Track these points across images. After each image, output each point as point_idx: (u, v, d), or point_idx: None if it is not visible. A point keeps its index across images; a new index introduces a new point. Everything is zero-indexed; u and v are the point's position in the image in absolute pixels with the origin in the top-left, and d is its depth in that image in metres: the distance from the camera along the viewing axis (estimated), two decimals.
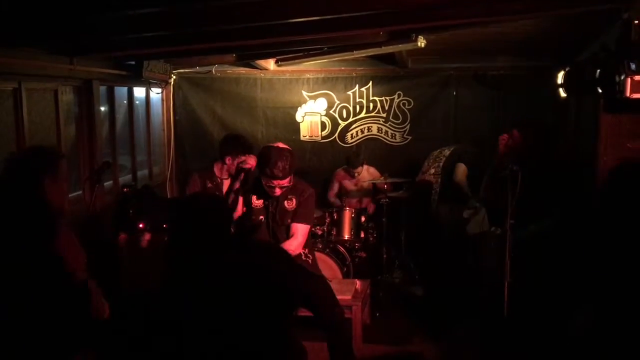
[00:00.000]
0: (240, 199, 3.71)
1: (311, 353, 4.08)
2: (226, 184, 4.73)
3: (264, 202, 3.77)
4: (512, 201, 4.18)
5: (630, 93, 3.64)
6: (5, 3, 2.83)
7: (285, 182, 3.64)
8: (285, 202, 3.70)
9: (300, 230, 3.68)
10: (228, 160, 4.53)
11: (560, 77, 4.83)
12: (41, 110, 4.49)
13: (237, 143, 4.58)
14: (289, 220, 3.67)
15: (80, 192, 4.94)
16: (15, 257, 2.56)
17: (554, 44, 5.41)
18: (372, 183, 6.07)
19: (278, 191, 3.66)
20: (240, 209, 3.72)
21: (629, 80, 3.61)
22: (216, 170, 4.71)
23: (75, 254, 2.83)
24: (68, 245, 2.77)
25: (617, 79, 3.97)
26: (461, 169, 5.44)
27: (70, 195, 4.45)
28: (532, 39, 5.09)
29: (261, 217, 3.76)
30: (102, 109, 5.67)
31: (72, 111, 5.08)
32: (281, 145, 3.77)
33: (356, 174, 6.10)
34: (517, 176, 4.38)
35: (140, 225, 4.85)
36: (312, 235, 5.28)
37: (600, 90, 4.20)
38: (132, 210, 4.93)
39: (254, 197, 3.73)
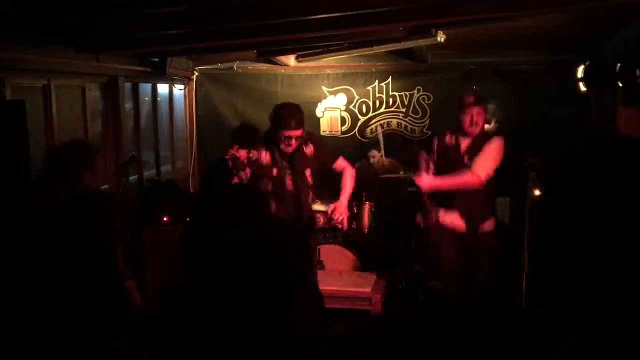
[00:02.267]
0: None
1: None
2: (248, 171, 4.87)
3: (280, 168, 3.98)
4: (530, 194, 4.20)
5: None
6: (33, 2, 2.93)
7: (299, 133, 3.88)
8: (305, 148, 4.01)
9: (340, 162, 4.21)
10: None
11: (580, 71, 4.83)
12: (69, 107, 4.62)
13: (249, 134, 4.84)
14: (311, 166, 4.05)
15: (107, 186, 5.06)
16: (67, 246, 2.64)
17: (575, 38, 5.40)
18: (389, 177, 6.10)
19: (294, 143, 3.87)
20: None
21: None
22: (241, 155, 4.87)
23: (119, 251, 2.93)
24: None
25: (637, 72, 3.98)
26: None
27: None
28: (553, 33, 5.08)
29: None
30: (127, 105, 5.79)
31: (98, 107, 5.20)
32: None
33: (371, 157, 6.11)
34: (535, 168, 4.41)
35: (165, 219, 4.98)
36: (332, 229, 5.39)
37: (620, 84, 4.20)
38: (156, 204, 5.06)
39: (274, 170, 3.95)
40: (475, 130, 4.17)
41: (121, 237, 2.98)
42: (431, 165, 4.24)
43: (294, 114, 3.91)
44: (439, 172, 4.19)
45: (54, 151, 3.03)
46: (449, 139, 4.30)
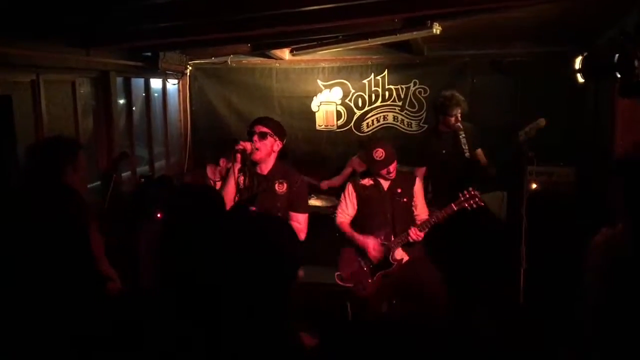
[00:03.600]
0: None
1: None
2: (218, 185, 4.77)
3: (251, 183, 3.65)
4: (527, 187, 4.16)
5: None
6: None
7: (264, 129, 3.59)
8: (276, 184, 3.64)
9: (302, 219, 3.65)
10: (222, 162, 4.64)
11: (577, 62, 4.78)
12: (59, 102, 4.55)
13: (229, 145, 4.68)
14: (279, 204, 3.61)
15: (98, 182, 4.99)
16: (41, 242, 2.58)
17: (572, 29, 5.33)
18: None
19: (258, 154, 3.56)
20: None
21: None
22: (209, 172, 4.76)
23: (98, 243, 2.87)
24: (94, 233, 2.81)
25: (635, 63, 3.92)
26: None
27: (88, 186, 4.50)
28: (550, 24, 5.02)
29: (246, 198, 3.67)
30: (121, 101, 5.72)
31: (90, 103, 5.13)
32: None
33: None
34: (532, 162, 4.37)
35: (158, 215, 4.92)
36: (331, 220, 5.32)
37: (618, 75, 4.14)
38: (149, 201, 5.00)
39: (241, 178, 3.64)
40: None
41: (102, 237, 2.91)
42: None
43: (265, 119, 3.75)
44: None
45: (35, 146, 2.96)
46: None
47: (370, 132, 6.63)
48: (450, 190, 4.37)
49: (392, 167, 4.20)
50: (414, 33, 4.90)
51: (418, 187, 4.33)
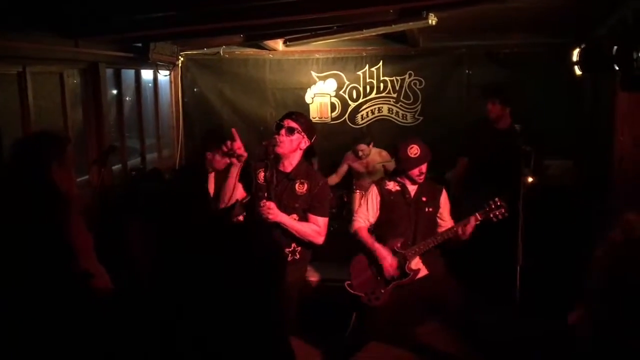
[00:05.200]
0: (239, 185, 3.48)
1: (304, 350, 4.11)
2: (211, 177, 4.70)
3: (272, 179, 3.45)
4: (524, 183, 4.09)
5: None
6: None
7: (293, 124, 3.42)
8: (297, 184, 3.50)
9: (321, 223, 3.50)
10: (208, 155, 4.63)
11: (575, 55, 4.70)
12: (47, 94, 4.46)
13: (212, 137, 4.64)
14: (297, 205, 3.49)
15: (87, 176, 4.91)
16: (22, 242, 2.51)
17: (570, 20, 5.26)
18: (383, 165, 5.97)
19: (282, 148, 3.40)
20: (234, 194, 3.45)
21: None
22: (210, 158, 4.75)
23: (83, 239, 2.79)
24: (77, 230, 2.73)
25: (634, 55, 3.85)
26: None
27: (77, 180, 4.42)
28: (547, 15, 4.94)
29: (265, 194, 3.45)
30: (111, 93, 5.62)
31: (79, 95, 5.03)
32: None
33: (360, 153, 5.95)
34: (530, 157, 4.30)
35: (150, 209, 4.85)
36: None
37: (617, 68, 4.07)
38: (140, 194, 4.92)
39: (261, 173, 3.49)
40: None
41: (90, 232, 2.83)
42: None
43: (295, 114, 3.55)
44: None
45: (19, 142, 2.87)
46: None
47: (365, 124, 6.55)
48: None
49: (424, 168, 3.94)
50: (410, 24, 4.83)
51: (444, 198, 4.07)
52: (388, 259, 3.92)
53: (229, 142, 3.24)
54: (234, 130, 3.28)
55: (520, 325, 3.96)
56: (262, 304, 2.06)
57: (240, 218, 4.18)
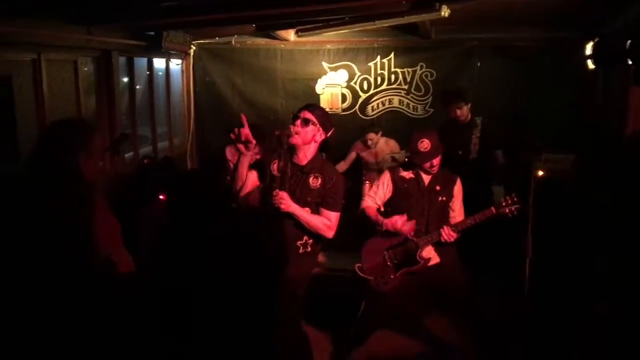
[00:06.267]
0: (252, 173, 3.47)
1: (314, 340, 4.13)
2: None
3: (285, 169, 3.40)
4: (534, 175, 4.08)
5: None
6: None
7: (309, 116, 3.37)
8: (311, 178, 3.44)
9: (333, 217, 3.46)
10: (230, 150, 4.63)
11: (589, 48, 4.70)
12: (61, 81, 4.49)
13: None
14: (309, 199, 3.43)
15: (101, 163, 4.94)
16: (49, 231, 2.52)
17: (582, 14, 5.23)
18: (392, 156, 5.97)
19: (296, 139, 3.35)
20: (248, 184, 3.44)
21: None
22: (228, 154, 4.72)
23: (111, 228, 2.79)
24: (104, 219, 2.72)
25: None
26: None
27: None
28: (559, 9, 4.92)
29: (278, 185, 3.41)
30: (124, 80, 5.65)
31: (92, 82, 5.07)
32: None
33: (369, 142, 5.95)
34: (540, 150, 4.31)
35: (161, 197, 4.89)
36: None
37: (630, 62, 4.07)
38: (152, 182, 4.96)
39: (275, 164, 3.43)
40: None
41: (116, 220, 2.84)
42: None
43: (311, 106, 3.48)
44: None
45: (47, 130, 2.87)
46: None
47: (375, 116, 6.55)
48: None
49: (436, 161, 3.92)
50: (422, 15, 4.82)
51: (458, 189, 4.03)
52: (397, 218, 3.89)
53: (236, 129, 3.23)
54: (243, 116, 3.23)
55: (528, 318, 3.97)
56: (271, 295, 2.10)
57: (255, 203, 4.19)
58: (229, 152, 4.72)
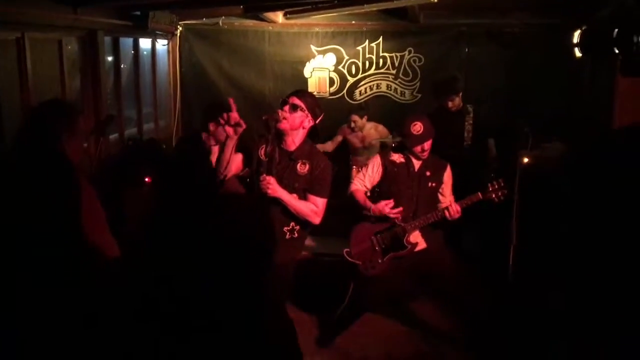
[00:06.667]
0: (238, 156, 3.49)
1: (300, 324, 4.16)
2: (215, 150, 4.63)
3: (273, 154, 3.41)
4: (520, 163, 4.12)
5: None
6: None
7: (298, 101, 3.37)
8: (299, 164, 3.43)
9: (320, 203, 3.46)
10: (212, 126, 4.48)
11: (576, 36, 4.70)
12: (45, 61, 4.42)
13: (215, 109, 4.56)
14: (297, 185, 3.44)
15: (85, 144, 4.90)
16: (34, 215, 2.49)
17: (571, 1, 5.25)
18: (381, 141, 5.98)
19: (284, 124, 3.36)
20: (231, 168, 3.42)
21: None
22: (204, 137, 4.62)
23: (96, 211, 2.77)
24: (90, 204, 2.70)
25: (635, 39, 3.86)
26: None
27: None
28: None
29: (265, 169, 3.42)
30: (109, 59, 5.57)
31: (77, 62, 5.00)
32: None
33: (352, 124, 5.94)
34: (528, 137, 4.33)
35: (147, 179, 4.85)
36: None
37: (617, 51, 4.08)
38: (137, 165, 4.92)
39: (263, 149, 3.43)
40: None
41: (100, 203, 2.81)
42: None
43: (300, 92, 3.52)
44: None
45: (30, 111, 2.84)
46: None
47: (362, 100, 6.54)
48: None
49: (427, 145, 3.97)
50: (411, 0, 4.80)
51: (448, 175, 4.10)
52: (383, 204, 3.95)
53: (225, 114, 3.19)
54: (231, 100, 3.21)
55: (512, 304, 4.03)
56: (257, 281, 2.09)
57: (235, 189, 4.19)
58: (204, 135, 4.65)
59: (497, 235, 4.29)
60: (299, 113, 3.38)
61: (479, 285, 4.28)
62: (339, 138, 6.15)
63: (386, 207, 3.93)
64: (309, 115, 3.41)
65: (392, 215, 3.94)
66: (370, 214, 4.05)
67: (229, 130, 3.22)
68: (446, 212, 3.89)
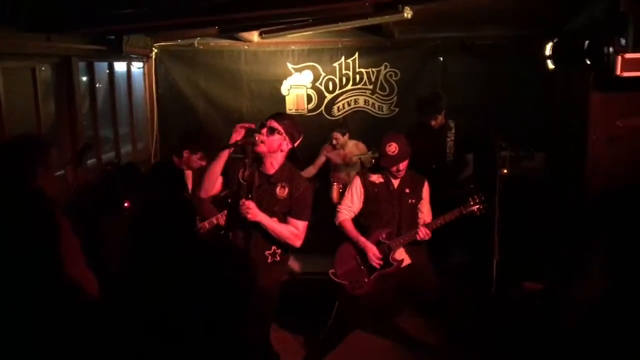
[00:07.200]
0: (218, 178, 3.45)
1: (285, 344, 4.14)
2: (189, 174, 4.60)
3: (251, 178, 3.36)
4: (500, 177, 4.16)
5: (621, 71, 3.59)
6: None
7: (275, 125, 3.35)
8: (278, 188, 3.41)
9: (300, 226, 3.43)
10: (185, 153, 4.46)
11: (548, 48, 4.76)
12: (18, 90, 4.38)
13: (190, 137, 4.55)
14: (276, 209, 3.42)
15: (62, 171, 4.84)
16: (11, 251, 2.45)
17: (544, 13, 5.32)
18: (360, 158, 5.99)
19: (261, 147, 3.32)
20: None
21: (619, 58, 3.56)
22: (176, 162, 4.59)
23: (72, 244, 2.74)
24: (65, 236, 2.68)
25: (605, 50, 3.92)
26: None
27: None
28: (521, 8, 5.00)
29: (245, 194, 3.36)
30: (84, 80, 5.53)
31: (51, 87, 4.95)
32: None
33: (334, 141, 5.97)
34: (502, 147, 4.37)
35: (126, 205, 4.80)
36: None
37: (588, 62, 4.15)
38: (116, 190, 4.87)
39: (240, 172, 3.41)
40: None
41: (78, 238, 2.78)
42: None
43: (279, 115, 3.50)
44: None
45: (4, 148, 2.81)
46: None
47: (341, 116, 6.56)
48: None
49: (403, 166, 3.98)
50: (385, 17, 4.83)
51: (426, 190, 4.13)
52: (373, 250, 3.99)
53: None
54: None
55: (495, 316, 4.04)
56: (239, 307, 2.08)
57: (206, 225, 4.18)
58: (176, 161, 4.62)
59: (482, 249, 4.31)
60: (276, 136, 3.36)
61: (464, 299, 4.30)
62: (322, 159, 6.16)
63: (372, 250, 4.01)
64: (287, 138, 3.39)
65: (375, 260, 4.00)
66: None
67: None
68: (417, 235, 3.96)
